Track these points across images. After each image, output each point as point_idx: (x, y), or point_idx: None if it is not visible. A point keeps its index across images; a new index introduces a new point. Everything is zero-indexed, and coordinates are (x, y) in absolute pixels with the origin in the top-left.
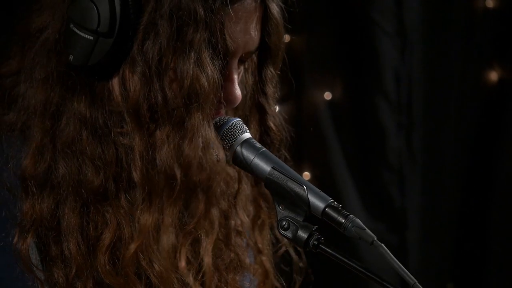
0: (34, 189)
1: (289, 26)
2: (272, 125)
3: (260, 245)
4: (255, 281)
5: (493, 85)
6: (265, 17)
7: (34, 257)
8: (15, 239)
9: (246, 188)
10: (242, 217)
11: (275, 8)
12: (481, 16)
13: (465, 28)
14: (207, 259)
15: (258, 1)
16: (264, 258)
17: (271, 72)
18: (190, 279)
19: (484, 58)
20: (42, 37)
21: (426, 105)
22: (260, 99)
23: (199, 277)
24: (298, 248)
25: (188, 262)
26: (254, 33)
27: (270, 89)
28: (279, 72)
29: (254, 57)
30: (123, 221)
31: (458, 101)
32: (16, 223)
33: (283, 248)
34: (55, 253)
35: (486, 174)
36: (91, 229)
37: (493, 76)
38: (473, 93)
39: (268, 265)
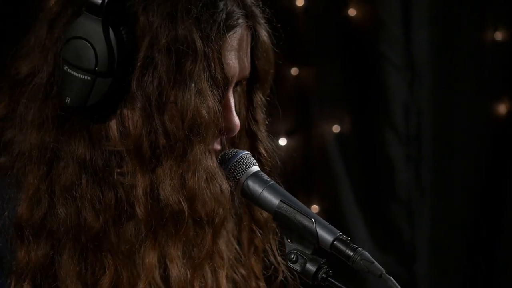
0: (30, 236)
1: (277, 51)
2: (263, 151)
3: (257, 272)
4: None
5: (502, 117)
6: (255, 42)
7: None
8: (11, 287)
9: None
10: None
11: (264, 34)
12: (490, 48)
13: (473, 60)
14: None
15: (250, 28)
16: (261, 284)
17: (260, 98)
18: None
19: (492, 90)
20: (34, 81)
21: (435, 138)
22: (251, 126)
23: None
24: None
25: None
26: (247, 59)
27: (260, 116)
28: (268, 98)
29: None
30: (121, 266)
31: (467, 134)
32: (12, 271)
33: (281, 275)
34: None
35: (496, 207)
36: (89, 274)
37: (502, 108)
38: (482, 125)
39: None
